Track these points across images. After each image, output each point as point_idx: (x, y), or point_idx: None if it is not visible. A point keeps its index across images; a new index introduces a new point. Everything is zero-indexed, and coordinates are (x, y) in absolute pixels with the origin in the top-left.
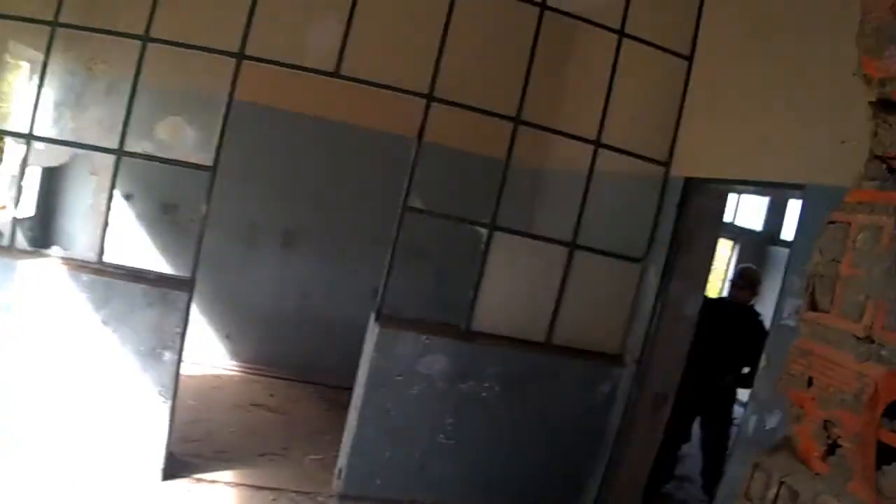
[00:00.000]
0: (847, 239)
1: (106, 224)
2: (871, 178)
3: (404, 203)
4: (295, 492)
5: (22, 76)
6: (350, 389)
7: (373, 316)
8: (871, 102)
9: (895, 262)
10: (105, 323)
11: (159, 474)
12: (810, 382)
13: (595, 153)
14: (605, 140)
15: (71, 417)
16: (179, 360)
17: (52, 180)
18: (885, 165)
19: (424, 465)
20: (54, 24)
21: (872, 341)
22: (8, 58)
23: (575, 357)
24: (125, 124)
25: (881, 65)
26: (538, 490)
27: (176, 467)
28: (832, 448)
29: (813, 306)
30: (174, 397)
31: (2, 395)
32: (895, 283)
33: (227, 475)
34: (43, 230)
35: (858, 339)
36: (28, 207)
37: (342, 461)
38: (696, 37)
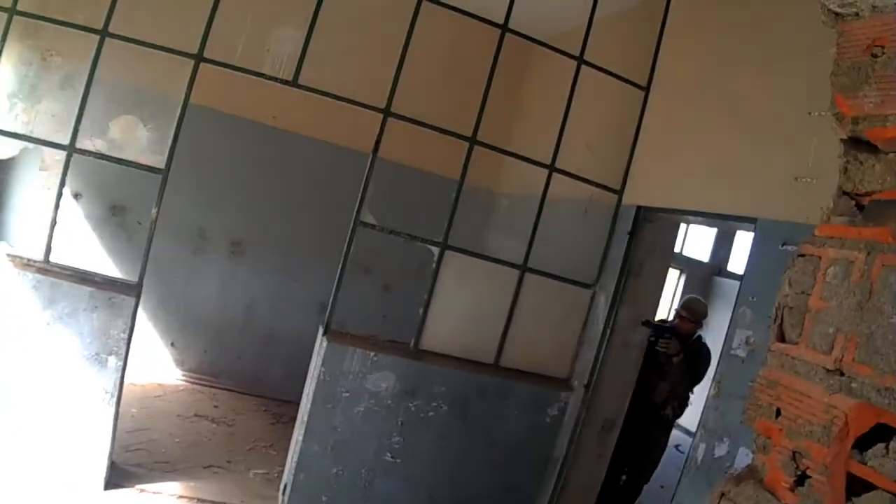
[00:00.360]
0: (817, 272)
1: (54, 222)
2: (841, 213)
3: (356, 217)
4: None
5: None
6: (296, 403)
7: (321, 330)
8: (842, 140)
9: (866, 296)
10: (49, 325)
11: (101, 483)
12: (778, 413)
13: (549, 177)
14: (559, 165)
15: (8, 421)
16: (124, 367)
17: (4, 174)
18: (854, 202)
19: (370, 483)
20: (11, 10)
21: (842, 374)
22: None
23: (523, 379)
24: (78, 120)
25: (855, 103)
26: None
27: (118, 477)
28: (801, 479)
29: (781, 337)
30: (118, 404)
31: None
32: (866, 317)
33: (171, 486)
34: None
35: (828, 371)
36: None
37: (287, 476)
38: (653, 68)
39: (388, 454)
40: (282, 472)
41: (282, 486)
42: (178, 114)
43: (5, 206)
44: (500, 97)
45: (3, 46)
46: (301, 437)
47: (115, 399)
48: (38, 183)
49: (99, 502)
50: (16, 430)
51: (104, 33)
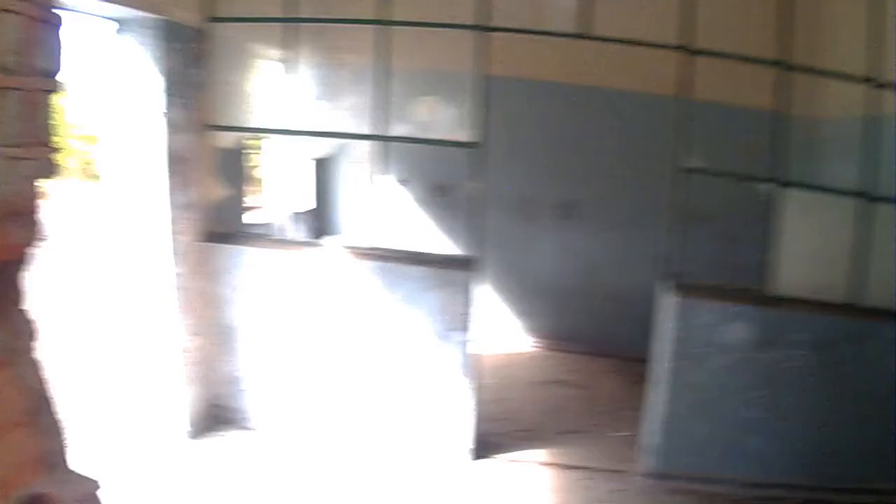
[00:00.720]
0: None
1: (381, 210)
2: None
3: (676, 164)
4: (606, 471)
5: (273, 74)
6: (645, 361)
7: (666, 285)
8: None
9: None
10: (392, 308)
11: (469, 454)
12: None
13: (874, 94)
14: (883, 77)
15: (372, 401)
16: (471, 340)
17: (325, 172)
18: None
19: (737, 441)
20: (293, 19)
21: None
22: (255, 58)
23: (888, 319)
24: (382, 110)
25: None
26: (865, 467)
27: (484, 447)
28: None
29: None
30: (472, 377)
31: (308, 382)
32: None
33: (536, 454)
34: (324, 221)
35: None
36: (307, 201)
37: (651, 438)
38: None
39: (753, 409)
40: (642, 433)
41: (645, 448)
42: (477, 87)
43: (334, 201)
44: (805, 14)
45: (292, 55)
46: (660, 398)
47: (468, 372)
48: (357, 175)
49: (470, 472)
50: (384, 408)
51: (387, 22)
